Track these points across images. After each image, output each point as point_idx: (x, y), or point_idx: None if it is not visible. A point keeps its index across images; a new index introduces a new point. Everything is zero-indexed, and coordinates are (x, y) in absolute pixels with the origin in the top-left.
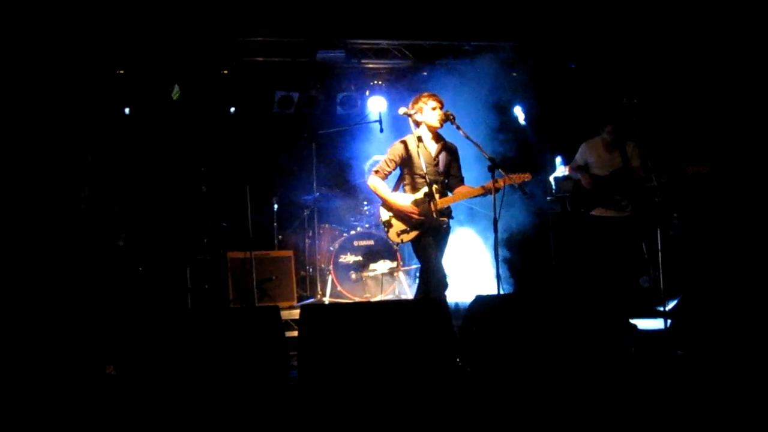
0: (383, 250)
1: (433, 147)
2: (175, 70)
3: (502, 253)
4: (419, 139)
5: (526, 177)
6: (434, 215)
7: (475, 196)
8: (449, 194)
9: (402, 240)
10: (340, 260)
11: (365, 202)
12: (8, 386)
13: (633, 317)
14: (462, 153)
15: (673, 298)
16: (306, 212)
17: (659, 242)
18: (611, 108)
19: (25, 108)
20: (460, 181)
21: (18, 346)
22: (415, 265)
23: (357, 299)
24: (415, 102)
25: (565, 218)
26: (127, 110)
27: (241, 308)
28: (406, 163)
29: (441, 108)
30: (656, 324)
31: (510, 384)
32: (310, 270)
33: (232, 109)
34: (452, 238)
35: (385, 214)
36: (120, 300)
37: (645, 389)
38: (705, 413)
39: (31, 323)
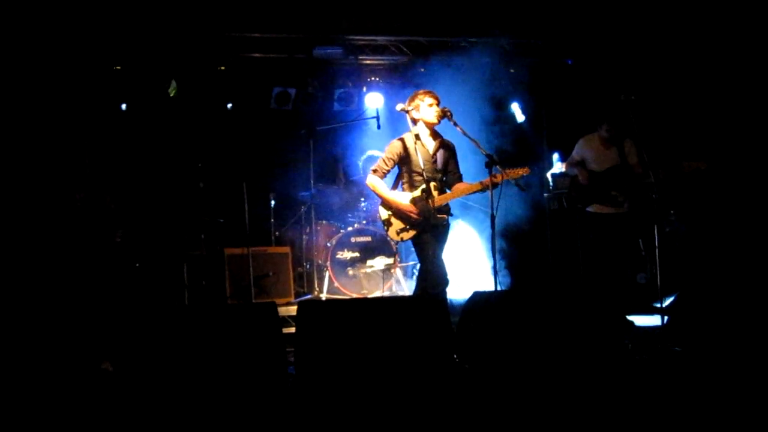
0: (380, 246)
1: (430, 144)
2: (172, 66)
3: (499, 247)
4: (417, 136)
5: (524, 171)
6: (433, 213)
7: (474, 192)
8: (448, 191)
9: (402, 238)
10: (338, 256)
11: (362, 199)
12: (5, 382)
13: (630, 314)
14: (460, 150)
15: (670, 295)
16: (303, 208)
17: (656, 239)
18: (608, 105)
19: (20, 105)
20: (459, 177)
21: (15, 342)
22: (412, 262)
23: (354, 295)
24: (412, 99)
25: (562, 215)
26: (123, 106)
27: (238, 304)
28: (404, 161)
29: (438, 105)
30: (653, 321)
31: (507, 380)
32: (308, 266)
33: (229, 105)
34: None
35: (384, 213)
36: (117, 296)
37: (642, 386)
38: (702, 410)
39: (29, 320)
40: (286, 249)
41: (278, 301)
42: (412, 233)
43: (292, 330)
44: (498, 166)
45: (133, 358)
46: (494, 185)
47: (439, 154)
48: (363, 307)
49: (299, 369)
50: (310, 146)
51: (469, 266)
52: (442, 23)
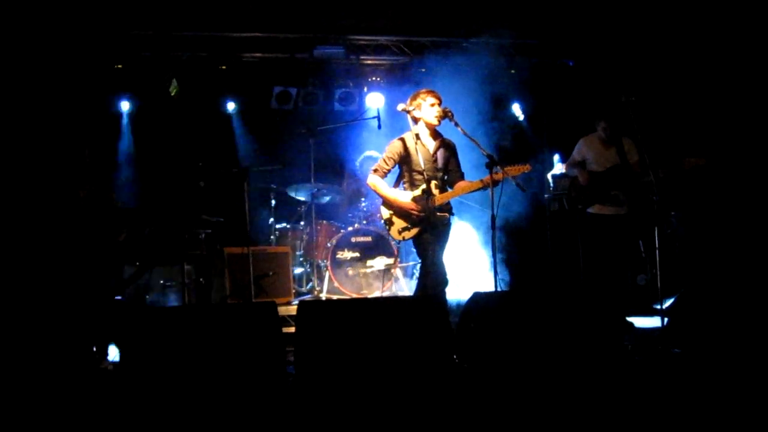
0: (381, 246)
1: (431, 144)
2: (173, 65)
3: (499, 247)
4: (417, 136)
5: (525, 168)
6: (434, 211)
7: (475, 191)
8: (449, 190)
9: (404, 237)
10: (338, 256)
11: (363, 199)
12: (6, 381)
13: (630, 315)
14: (460, 150)
15: (670, 296)
16: (303, 208)
17: (656, 240)
18: (607, 104)
19: (21, 103)
20: (460, 176)
21: (16, 340)
22: (412, 262)
23: (354, 295)
24: (414, 98)
25: (562, 215)
26: (124, 105)
27: (238, 304)
28: (404, 160)
29: (439, 104)
30: (653, 322)
31: (507, 381)
32: (308, 266)
33: (230, 105)
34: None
35: (385, 212)
36: (117, 295)
37: (642, 387)
38: (702, 411)
39: (29, 318)
40: (286, 248)
41: (278, 300)
42: (413, 232)
43: (292, 330)
44: (498, 167)
45: (132, 356)
46: (495, 183)
47: (440, 153)
48: (363, 307)
49: (299, 369)
50: (311, 146)
51: (469, 266)
52: (443, 23)
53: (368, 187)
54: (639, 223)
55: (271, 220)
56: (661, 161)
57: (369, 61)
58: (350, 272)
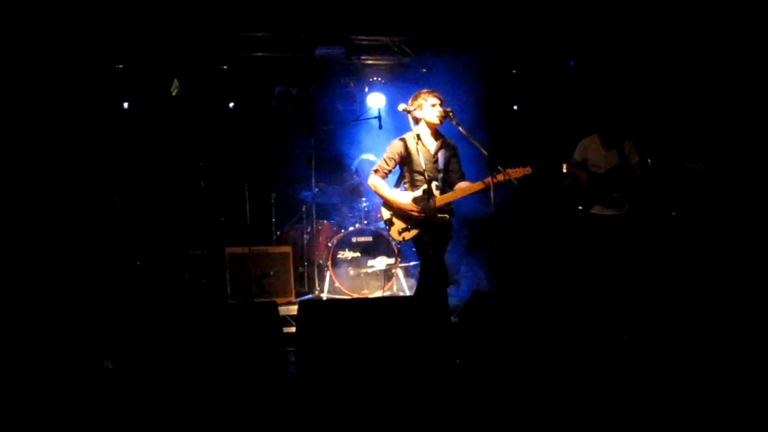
0: (381, 246)
1: (432, 144)
2: (174, 64)
3: (499, 247)
4: (418, 136)
5: (526, 171)
6: (434, 212)
7: (476, 192)
8: (450, 191)
9: (404, 238)
10: (339, 256)
11: (363, 199)
12: (6, 380)
13: (630, 316)
14: (461, 150)
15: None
16: (304, 208)
17: (656, 240)
18: (608, 106)
19: (23, 104)
20: (461, 177)
21: (17, 340)
22: (413, 262)
23: (355, 295)
24: (415, 98)
25: (563, 216)
26: (125, 105)
27: (239, 304)
28: (405, 161)
29: (441, 105)
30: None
31: (507, 380)
32: (308, 266)
33: (231, 104)
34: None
35: (386, 213)
36: (118, 294)
37: (641, 387)
38: (701, 410)
39: (31, 318)
40: (287, 248)
41: (279, 300)
42: (414, 232)
43: (293, 329)
44: (500, 166)
45: (133, 356)
46: (496, 185)
47: (441, 154)
48: (363, 307)
49: (299, 368)
50: (312, 146)
51: (468, 265)
52: (444, 23)
53: (368, 187)
54: (639, 223)
55: (272, 220)
56: (661, 163)
57: (370, 61)
58: (351, 272)
